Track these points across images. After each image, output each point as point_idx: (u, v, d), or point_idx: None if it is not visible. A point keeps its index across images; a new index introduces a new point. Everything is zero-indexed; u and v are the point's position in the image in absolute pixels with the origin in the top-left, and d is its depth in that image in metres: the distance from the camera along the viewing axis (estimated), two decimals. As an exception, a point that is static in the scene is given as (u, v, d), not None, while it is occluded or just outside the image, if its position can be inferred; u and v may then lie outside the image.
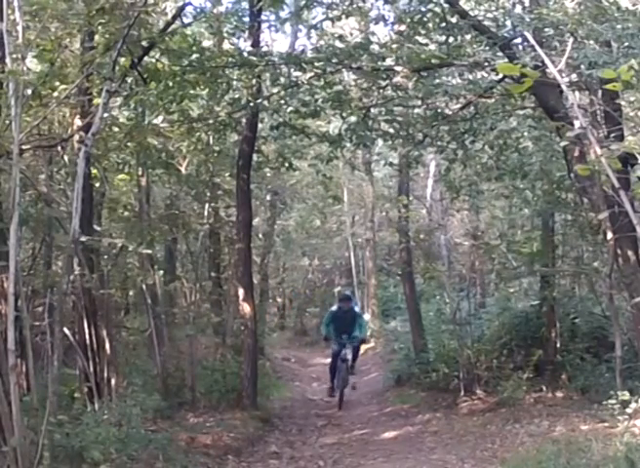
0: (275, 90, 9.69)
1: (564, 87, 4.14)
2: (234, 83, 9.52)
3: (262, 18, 9.86)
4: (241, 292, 9.86)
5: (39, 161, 7.96)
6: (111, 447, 5.65)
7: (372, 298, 20.72)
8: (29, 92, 5.94)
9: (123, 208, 10.15)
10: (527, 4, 8.11)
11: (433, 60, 8.06)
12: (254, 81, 9.21)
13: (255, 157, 10.60)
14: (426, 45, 8.66)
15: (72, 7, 6.27)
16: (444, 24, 8.50)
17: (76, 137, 7.17)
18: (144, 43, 7.04)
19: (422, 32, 8.74)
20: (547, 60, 3.92)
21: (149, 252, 8.84)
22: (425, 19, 8.63)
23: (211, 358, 10.96)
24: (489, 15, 8.35)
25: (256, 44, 9.61)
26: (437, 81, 8.55)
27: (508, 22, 7.93)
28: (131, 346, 10.79)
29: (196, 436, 7.55)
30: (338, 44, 8.75)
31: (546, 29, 7.22)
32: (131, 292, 12.22)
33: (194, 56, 8.34)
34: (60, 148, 7.53)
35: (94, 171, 7.81)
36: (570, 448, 5.79)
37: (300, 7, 9.38)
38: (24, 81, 5.36)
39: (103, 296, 7.64)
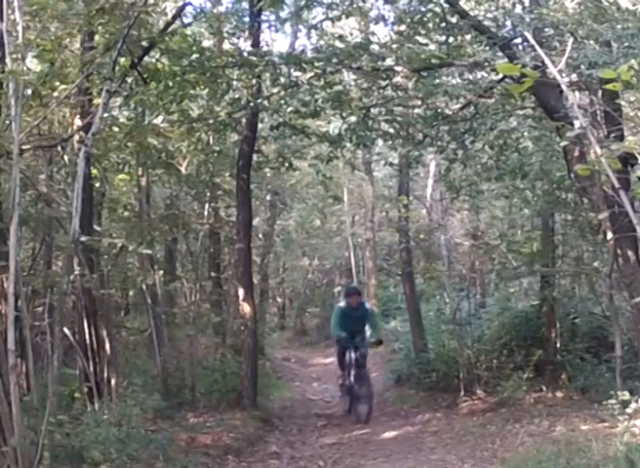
0: (275, 90, 9.69)
1: (564, 87, 4.14)
2: (234, 83, 9.52)
3: (262, 18, 9.86)
4: (241, 292, 9.86)
5: (39, 161, 7.95)
6: (111, 447, 5.65)
7: (372, 298, 20.70)
8: (29, 92, 5.94)
9: (123, 208, 10.14)
10: (527, 4, 8.11)
11: (433, 60, 8.06)
12: (254, 81, 9.21)
13: (255, 157, 10.59)
14: (426, 45, 8.66)
15: (72, 7, 6.26)
16: (444, 24, 8.50)
17: (76, 137, 7.17)
18: (144, 43, 7.04)
19: (422, 32, 8.75)
20: (547, 60, 3.92)
21: (149, 252, 8.84)
22: (425, 19, 8.63)
23: (211, 358, 10.96)
24: (489, 15, 8.36)
25: (256, 44, 9.60)
26: (437, 81, 8.55)
27: (508, 22, 7.94)
28: (131, 346, 10.79)
29: (196, 436, 7.54)
30: (338, 44, 8.76)
31: (546, 29, 7.23)
32: (131, 292, 12.22)
33: (194, 56, 8.35)
34: (60, 148, 7.53)
35: (94, 171, 7.81)
36: (570, 448, 5.78)
37: (300, 7, 9.39)
38: (24, 81, 5.36)
39: (103, 296, 7.64)
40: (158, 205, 11.99)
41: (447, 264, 13.14)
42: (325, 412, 10.80)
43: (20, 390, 5.32)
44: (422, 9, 8.62)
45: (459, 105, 9.14)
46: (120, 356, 8.69)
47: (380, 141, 11.25)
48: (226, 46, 10.23)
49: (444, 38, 8.70)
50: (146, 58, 7.53)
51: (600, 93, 7.03)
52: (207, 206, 11.23)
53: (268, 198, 18.62)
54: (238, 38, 10.15)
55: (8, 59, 5.32)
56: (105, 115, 6.55)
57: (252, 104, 9.17)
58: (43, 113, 6.42)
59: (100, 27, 6.45)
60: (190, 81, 8.47)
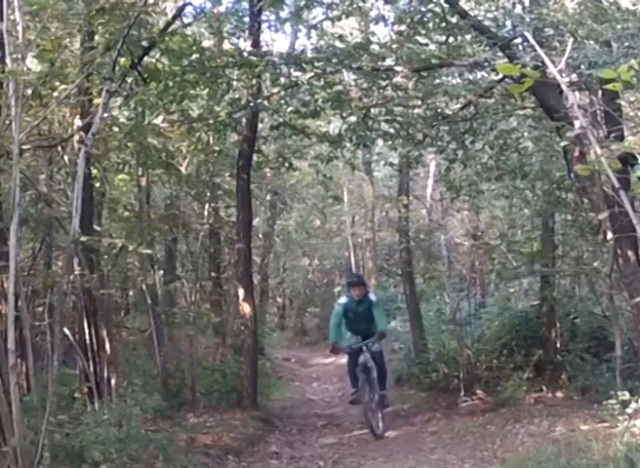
0: (275, 90, 9.69)
1: (564, 87, 4.14)
2: (234, 83, 9.52)
3: (262, 18, 9.85)
4: (241, 292, 9.86)
5: (39, 161, 7.95)
6: (111, 447, 5.65)
7: (372, 298, 20.71)
8: (29, 92, 5.93)
9: (123, 208, 10.13)
10: (527, 4, 8.11)
11: (433, 60, 8.07)
12: (254, 81, 9.21)
13: (255, 157, 10.59)
14: (426, 45, 8.66)
15: (72, 7, 6.25)
16: (444, 24, 8.51)
17: (76, 137, 7.17)
18: (144, 43, 7.03)
19: (422, 32, 8.75)
20: (547, 60, 3.92)
21: (149, 252, 8.83)
22: (425, 19, 8.64)
23: (211, 358, 10.96)
24: (489, 15, 8.36)
25: (256, 44, 9.60)
26: (437, 81, 8.56)
27: (508, 22, 7.94)
28: (131, 346, 10.79)
29: (196, 436, 7.54)
30: (338, 44, 8.76)
31: (546, 29, 7.23)
32: (131, 292, 12.22)
33: (194, 56, 8.34)
34: (60, 148, 7.54)
35: (94, 171, 7.80)
36: (570, 448, 5.79)
37: (300, 7, 9.38)
38: (24, 81, 5.35)
39: (103, 296, 7.64)
40: (158, 205, 11.99)
41: (447, 264, 13.16)
42: (325, 412, 10.80)
43: (20, 390, 5.32)
44: (422, 9, 8.62)
45: (459, 105, 9.14)
46: (120, 356, 8.69)
47: (380, 141, 11.25)
48: (226, 46, 10.22)
49: (444, 38, 8.71)
50: (146, 58, 7.52)
51: (600, 93, 7.04)
52: (207, 206, 11.22)
53: (268, 198, 18.63)
54: (238, 38, 10.15)
55: (8, 59, 5.31)
56: (105, 115, 6.54)
57: (252, 104, 9.17)
58: (43, 113, 6.42)
59: (100, 27, 6.45)
60: (190, 81, 8.47)
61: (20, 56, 5.47)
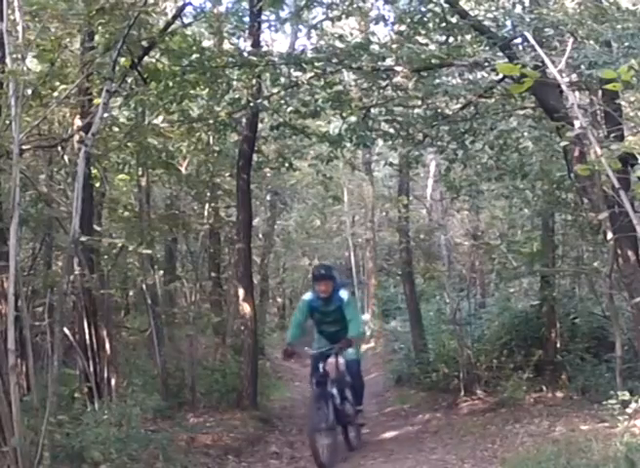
0: (275, 90, 9.70)
1: (564, 87, 4.15)
2: (234, 83, 9.52)
3: (262, 18, 9.85)
4: (241, 292, 9.86)
5: (39, 161, 7.96)
6: (111, 447, 5.65)
7: (372, 298, 20.73)
8: (29, 92, 5.94)
9: (123, 208, 10.14)
10: (527, 4, 8.12)
11: (433, 60, 8.06)
12: (254, 81, 9.21)
13: (255, 157, 10.59)
14: (426, 45, 8.66)
15: (72, 7, 6.26)
16: (444, 24, 8.51)
17: (76, 137, 7.17)
18: (144, 43, 7.04)
19: (422, 32, 8.75)
20: (547, 60, 3.92)
21: (149, 252, 8.83)
22: (425, 19, 8.64)
23: (211, 358, 10.96)
24: (489, 15, 8.35)
25: (256, 44, 9.60)
26: (437, 81, 8.55)
27: (508, 22, 7.93)
28: (131, 346, 10.79)
29: (196, 436, 7.54)
30: (338, 44, 8.76)
31: (546, 29, 7.23)
32: (131, 293, 12.22)
33: (194, 56, 8.34)
34: (60, 148, 7.54)
35: (94, 171, 7.81)
36: (570, 448, 5.78)
37: (300, 7, 9.39)
38: (24, 81, 5.36)
39: (103, 296, 7.64)
40: (158, 205, 11.98)
41: (447, 264, 13.14)
42: (325, 412, 10.79)
43: (20, 390, 5.32)
44: (422, 9, 8.63)
45: (459, 105, 9.14)
46: (120, 356, 8.69)
47: (380, 141, 11.25)
48: (226, 46, 10.23)
49: (444, 38, 8.71)
50: (146, 58, 7.52)
51: (600, 93, 7.03)
52: (207, 206, 11.23)
53: (268, 198, 18.63)
54: (238, 38, 10.16)
55: (8, 59, 5.32)
56: (105, 115, 6.55)
57: (252, 104, 9.17)
58: (43, 113, 6.42)
59: (100, 27, 6.44)
60: (190, 81, 8.47)
61: (19, 56, 5.47)
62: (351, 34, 10.59)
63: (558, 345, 9.92)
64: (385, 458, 7.34)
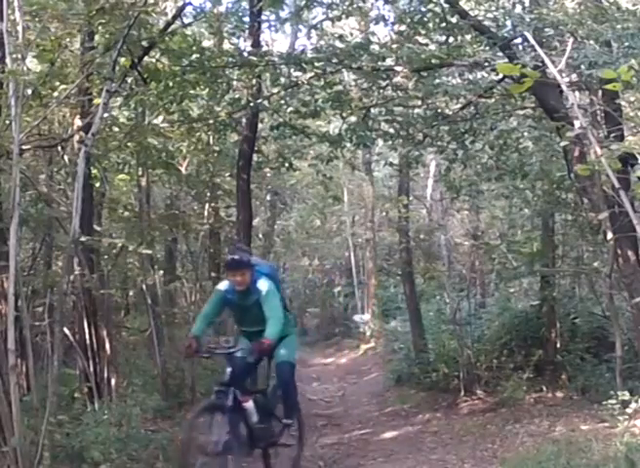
0: (275, 90, 9.70)
1: (564, 87, 4.15)
2: (234, 83, 9.53)
3: (262, 18, 9.86)
4: (241, 292, 9.83)
5: (39, 161, 7.96)
6: (111, 447, 5.65)
7: (372, 298, 20.73)
8: (29, 92, 5.94)
9: (123, 208, 10.15)
10: (527, 4, 8.12)
11: (433, 60, 8.06)
12: (254, 81, 9.22)
13: (255, 157, 10.59)
14: (426, 45, 8.66)
15: (72, 7, 6.26)
16: (444, 24, 8.51)
17: (76, 137, 7.18)
18: (144, 43, 7.04)
19: (422, 32, 8.76)
20: (547, 60, 3.93)
21: (149, 252, 8.83)
22: (425, 19, 8.64)
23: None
24: (489, 15, 8.36)
25: (256, 44, 9.61)
26: (437, 81, 8.55)
27: (508, 22, 7.94)
28: (131, 346, 10.78)
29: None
30: (338, 44, 8.76)
31: (546, 29, 7.23)
32: (131, 292, 12.22)
33: (194, 56, 8.35)
34: (60, 148, 7.55)
35: (94, 171, 7.81)
36: (570, 448, 5.78)
37: (300, 7, 9.39)
38: (24, 81, 5.36)
39: (103, 296, 7.64)
40: (158, 205, 11.99)
41: (447, 264, 13.16)
42: (325, 412, 10.79)
43: (20, 390, 5.32)
44: (422, 9, 8.63)
45: (459, 105, 9.14)
46: (120, 356, 8.69)
47: (380, 141, 11.25)
48: (226, 46, 10.23)
49: (444, 38, 8.71)
50: (146, 58, 7.53)
51: (600, 93, 7.03)
52: (207, 206, 11.23)
53: (268, 198, 18.65)
54: (238, 38, 10.16)
55: (8, 59, 5.32)
56: (105, 115, 6.55)
57: (252, 104, 9.18)
58: (43, 113, 6.42)
59: (100, 27, 6.45)
60: (190, 81, 8.48)
61: (19, 56, 5.47)
62: (351, 34, 10.59)
63: (558, 345, 9.91)
64: (385, 458, 7.33)
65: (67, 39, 6.86)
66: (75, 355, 7.20)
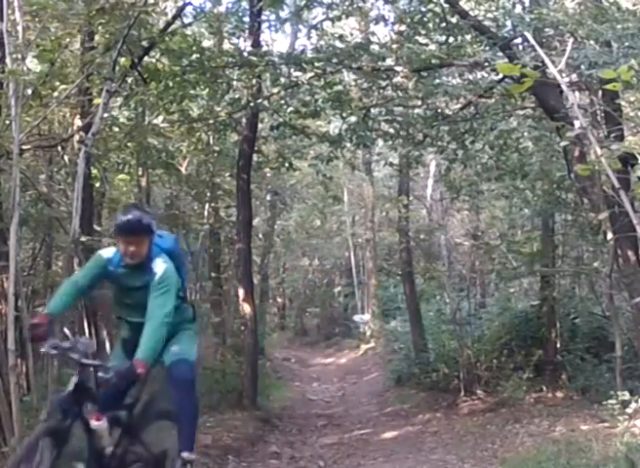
0: (275, 90, 9.70)
1: (564, 87, 4.14)
2: (234, 83, 9.53)
3: (262, 18, 9.86)
4: (241, 292, 9.86)
5: (39, 161, 7.96)
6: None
7: (372, 298, 20.73)
8: (29, 92, 5.94)
9: (123, 208, 10.13)
10: (527, 4, 8.13)
11: (433, 60, 8.07)
12: (254, 81, 9.22)
13: (255, 157, 10.59)
14: (426, 45, 8.67)
15: (72, 7, 6.26)
16: (444, 24, 8.52)
17: (76, 137, 7.18)
18: (144, 43, 7.04)
19: (422, 32, 8.76)
20: (547, 60, 3.92)
21: (149, 252, 8.81)
22: (425, 19, 8.65)
23: (211, 358, 10.95)
24: (489, 15, 8.38)
25: (256, 44, 9.61)
26: (437, 81, 8.56)
27: (508, 22, 7.95)
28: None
29: (196, 436, 7.52)
30: (338, 44, 8.77)
31: (546, 29, 7.25)
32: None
33: (194, 56, 8.35)
34: (60, 148, 7.54)
35: (94, 171, 7.81)
36: (570, 448, 5.78)
37: (300, 7, 9.39)
38: (24, 81, 5.36)
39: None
40: (158, 205, 11.98)
41: (447, 264, 13.15)
42: (325, 412, 10.80)
43: (20, 390, 5.32)
44: (422, 9, 8.64)
45: (459, 105, 9.15)
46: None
47: (380, 141, 11.25)
48: (226, 46, 10.23)
49: (444, 38, 8.72)
50: (146, 58, 7.53)
51: (600, 93, 7.03)
52: (207, 206, 11.23)
53: (268, 198, 18.63)
54: (238, 38, 10.15)
55: (8, 59, 5.31)
56: (105, 115, 6.55)
57: (252, 104, 9.18)
58: (43, 113, 6.42)
59: (100, 27, 6.45)
60: (190, 81, 8.48)
61: (19, 56, 5.47)
62: (351, 34, 10.60)
63: (558, 345, 9.92)
64: (385, 458, 7.33)
65: (67, 39, 6.86)
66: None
